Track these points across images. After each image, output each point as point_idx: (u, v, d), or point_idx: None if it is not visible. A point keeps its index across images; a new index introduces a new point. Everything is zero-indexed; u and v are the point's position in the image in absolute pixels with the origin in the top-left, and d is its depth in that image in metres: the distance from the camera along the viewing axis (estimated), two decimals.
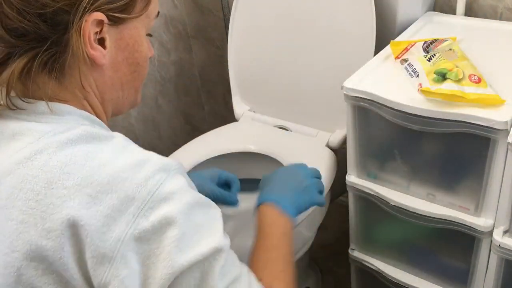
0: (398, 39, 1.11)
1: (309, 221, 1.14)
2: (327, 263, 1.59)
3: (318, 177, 0.92)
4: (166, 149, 1.60)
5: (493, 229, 0.94)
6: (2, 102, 0.63)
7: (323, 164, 1.21)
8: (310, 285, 1.45)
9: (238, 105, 1.46)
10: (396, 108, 0.92)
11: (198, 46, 1.82)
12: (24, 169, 0.58)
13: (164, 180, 0.58)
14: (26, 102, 0.62)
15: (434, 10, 1.26)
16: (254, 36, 1.37)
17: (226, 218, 0.67)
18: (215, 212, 0.64)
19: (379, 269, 1.15)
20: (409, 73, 0.96)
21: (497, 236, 0.93)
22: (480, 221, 0.94)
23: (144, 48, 0.70)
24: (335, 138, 1.28)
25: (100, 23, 0.62)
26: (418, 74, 0.94)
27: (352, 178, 1.09)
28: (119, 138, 0.63)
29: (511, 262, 0.95)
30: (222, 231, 0.62)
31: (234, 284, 0.61)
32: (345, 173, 1.11)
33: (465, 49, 1.00)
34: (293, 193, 0.83)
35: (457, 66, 0.90)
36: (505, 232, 0.93)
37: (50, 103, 0.62)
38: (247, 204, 1.00)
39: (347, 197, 1.14)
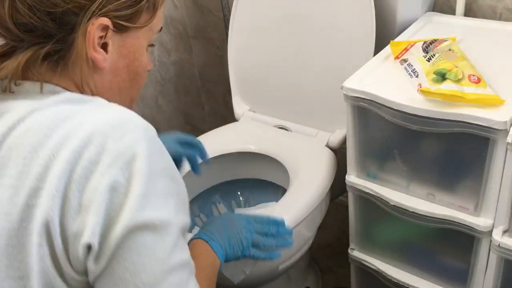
0: (397, 39, 1.11)
1: (309, 221, 1.14)
2: (327, 263, 1.59)
3: (264, 232, 0.91)
4: None
5: (492, 228, 0.94)
6: None
7: (323, 164, 1.22)
8: (310, 285, 1.46)
9: (238, 105, 1.46)
10: (395, 108, 0.92)
11: (198, 46, 1.83)
12: (10, 138, 0.61)
13: (141, 139, 0.61)
14: (17, 85, 0.66)
15: (433, 10, 1.26)
16: (254, 36, 1.37)
17: None
18: (183, 189, 0.67)
19: (379, 269, 1.15)
20: (409, 73, 0.96)
21: (497, 235, 0.93)
22: (479, 221, 0.94)
23: (144, 58, 0.73)
24: (335, 138, 1.28)
25: (105, 28, 0.65)
26: (417, 74, 0.94)
27: (352, 178, 1.10)
28: (101, 99, 0.67)
29: (510, 261, 0.95)
30: (182, 210, 0.65)
31: (183, 267, 0.64)
32: (345, 173, 1.11)
33: (464, 49, 1.00)
34: (226, 239, 0.87)
35: (456, 66, 0.91)
36: (504, 231, 0.93)
37: (44, 84, 0.65)
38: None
39: (347, 197, 1.14)
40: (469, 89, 0.87)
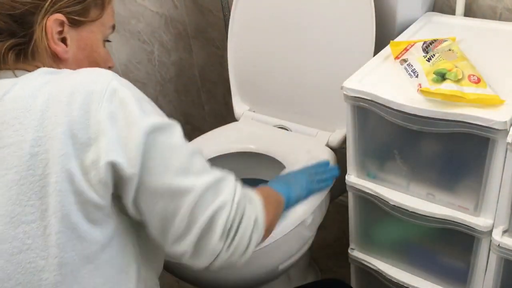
0: (397, 39, 1.11)
1: (309, 221, 1.14)
2: (327, 263, 1.59)
3: (316, 173, 1.05)
4: None
5: (492, 228, 0.94)
6: None
7: None
8: None
9: (238, 105, 1.46)
10: (395, 108, 0.92)
11: (198, 46, 1.83)
12: (2, 106, 0.68)
13: (113, 79, 0.70)
14: None
15: (433, 10, 1.27)
16: (254, 37, 1.37)
17: None
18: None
19: (379, 269, 1.16)
20: (409, 73, 0.96)
21: (497, 235, 0.93)
22: (479, 221, 0.94)
23: (101, 51, 0.83)
24: (335, 138, 1.28)
25: (61, 23, 0.75)
26: (417, 74, 0.94)
27: (351, 178, 1.10)
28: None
29: (510, 261, 0.95)
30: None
31: (198, 152, 0.75)
32: (345, 173, 1.11)
33: (464, 49, 1.00)
34: (287, 186, 0.99)
35: (456, 66, 0.91)
36: (504, 231, 0.93)
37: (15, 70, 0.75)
38: None
39: (347, 197, 1.14)
40: (469, 89, 0.87)
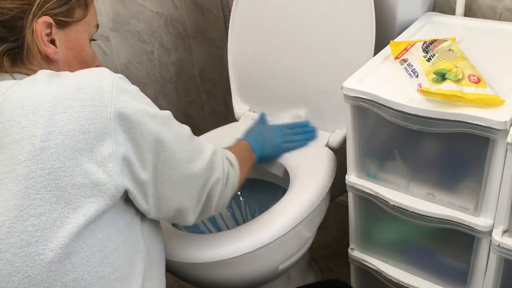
0: (397, 39, 1.11)
1: (309, 221, 1.14)
2: (327, 263, 1.60)
3: (293, 132, 1.24)
4: None
5: (492, 228, 0.94)
6: None
7: (323, 164, 1.22)
8: None
9: (238, 105, 1.46)
10: (395, 108, 0.92)
11: (198, 46, 1.83)
12: (5, 106, 0.70)
13: (116, 75, 0.74)
14: None
15: (433, 10, 1.27)
16: (254, 37, 1.37)
17: None
18: None
19: (379, 268, 1.16)
20: (409, 73, 0.96)
21: (497, 235, 0.93)
22: (479, 221, 0.94)
23: (89, 49, 0.86)
24: (335, 138, 1.28)
25: (49, 25, 0.79)
26: (417, 74, 0.94)
27: (351, 178, 1.10)
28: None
29: (510, 261, 0.95)
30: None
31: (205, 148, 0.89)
32: (345, 173, 1.11)
33: (464, 50, 1.00)
34: (262, 141, 1.16)
35: (456, 66, 0.91)
36: (504, 231, 0.93)
37: (13, 73, 0.78)
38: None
39: (346, 197, 1.14)
40: (469, 89, 0.87)
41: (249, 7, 1.35)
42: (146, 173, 0.75)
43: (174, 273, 1.10)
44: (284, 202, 1.13)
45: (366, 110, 0.98)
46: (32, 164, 0.67)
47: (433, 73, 0.90)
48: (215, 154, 0.90)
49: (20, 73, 0.79)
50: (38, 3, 0.77)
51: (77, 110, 0.69)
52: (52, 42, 0.80)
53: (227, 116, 1.85)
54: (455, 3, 1.21)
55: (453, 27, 1.16)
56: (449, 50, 0.97)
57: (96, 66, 0.88)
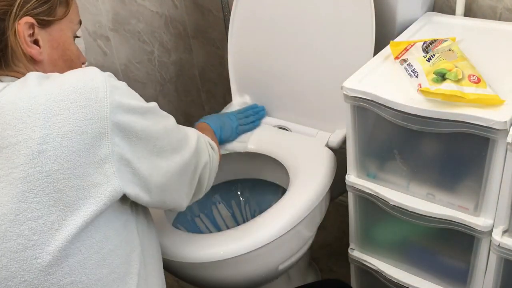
0: (397, 39, 1.11)
1: (309, 221, 1.14)
2: (327, 263, 1.60)
3: (245, 115, 1.37)
4: None
5: (492, 228, 0.94)
6: None
7: (323, 164, 1.22)
8: None
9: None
10: (395, 108, 0.92)
11: (198, 46, 1.83)
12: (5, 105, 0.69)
13: (106, 73, 0.74)
14: None
15: (433, 10, 1.27)
16: (254, 36, 1.37)
17: None
18: None
19: (379, 269, 1.16)
20: (409, 73, 0.96)
21: (497, 235, 0.93)
22: (479, 221, 0.94)
23: (73, 47, 0.85)
24: (335, 138, 1.28)
25: (31, 26, 0.77)
26: (417, 74, 0.94)
27: (351, 178, 1.10)
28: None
29: (510, 261, 0.95)
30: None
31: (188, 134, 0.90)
32: (345, 173, 1.11)
33: (464, 50, 1.00)
34: (220, 126, 1.27)
35: (456, 66, 0.91)
36: (504, 231, 0.93)
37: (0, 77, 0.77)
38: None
39: (346, 197, 1.14)
40: (469, 89, 0.87)
41: (249, 7, 1.35)
42: (145, 168, 0.76)
43: (174, 273, 1.10)
44: (284, 202, 1.13)
45: (366, 110, 0.98)
46: (29, 167, 0.67)
47: (433, 73, 0.90)
48: (199, 140, 0.93)
49: (7, 75, 0.78)
50: (19, 4, 0.76)
51: (74, 111, 0.69)
52: (36, 42, 0.79)
53: None
54: (455, 3, 1.21)
55: (453, 27, 1.16)
56: (449, 50, 0.97)
57: (82, 63, 0.88)
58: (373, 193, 1.06)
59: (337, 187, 1.22)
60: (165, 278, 0.91)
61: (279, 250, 1.09)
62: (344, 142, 1.20)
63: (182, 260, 1.04)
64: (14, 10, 0.75)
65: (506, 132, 0.83)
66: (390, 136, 1.02)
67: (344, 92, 0.99)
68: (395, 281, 1.13)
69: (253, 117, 1.36)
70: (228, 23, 1.40)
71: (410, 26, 1.17)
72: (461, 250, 1.02)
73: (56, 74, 0.75)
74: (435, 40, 1.03)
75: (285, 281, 1.33)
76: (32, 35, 0.78)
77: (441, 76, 0.89)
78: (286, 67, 1.34)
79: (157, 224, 1.01)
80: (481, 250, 0.98)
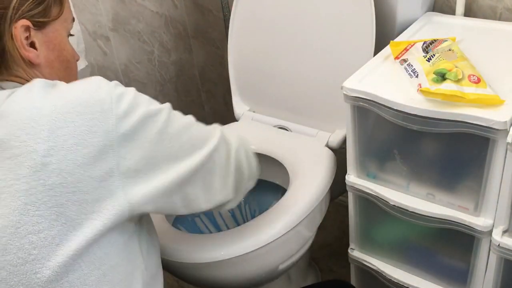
0: (397, 39, 1.11)
1: (309, 221, 1.14)
2: (327, 263, 1.60)
3: None
4: None
5: (492, 228, 0.94)
6: None
7: (323, 164, 1.22)
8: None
9: (238, 105, 1.46)
10: (395, 108, 0.92)
11: (198, 46, 1.83)
12: (3, 117, 0.68)
13: (111, 82, 0.72)
14: None
15: (433, 10, 1.27)
16: (254, 37, 1.37)
17: None
18: None
19: (379, 268, 1.16)
20: (409, 73, 0.96)
21: (497, 235, 0.93)
22: (479, 221, 0.94)
23: (68, 47, 0.84)
24: (335, 138, 1.28)
25: (27, 28, 0.76)
26: (417, 74, 0.94)
27: (351, 178, 1.10)
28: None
29: (510, 261, 0.95)
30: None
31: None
32: (345, 173, 1.11)
33: (464, 50, 1.00)
34: None
35: (456, 66, 0.91)
36: (504, 231, 0.93)
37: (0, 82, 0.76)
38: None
39: (346, 197, 1.14)
40: (469, 89, 0.87)
41: (249, 7, 1.35)
42: (163, 178, 0.73)
43: (174, 273, 1.10)
44: (284, 202, 1.13)
45: (366, 110, 0.98)
46: (32, 180, 0.65)
47: (433, 73, 0.90)
48: (221, 130, 0.86)
49: (7, 80, 0.77)
50: (14, 7, 0.74)
51: (79, 124, 0.67)
52: (32, 45, 0.77)
53: (227, 116, 1.85)
54: (455, 3, 1.21)
55: (453, 27, 1.16)
56: (449, 50, 0.97)
57: (76, 61, 0.86)
58: (373, 193, 1.06)
59: (337, 187, 1.22)
60: (165, 278, 0.91)
61: (279, 250, 1.09)
62: (344, 142, 1.20)
63: (182, 260, 1.04)
64: (9, 14, 0.74)
65: (506, 132, 0.83)
66: (390, 136, 1.02)
67: (344, 92, 0.99)
68: (395, 281, 1.13)
69: None
70: (228, 23, 1.40)
71: (410, 26, 1.17)
72: (461, 250, 1.02)
73: (61, 83, 0.73)
74: (435, 40, 1.03)
75: (285, 281, 1.33)
76: (28, 38, 0.76)
77: (441, 76, 0.89)
78: (286, 67, 1.34)
79: (157, 224, 1.01)
80: (481, 250, 0.98)
